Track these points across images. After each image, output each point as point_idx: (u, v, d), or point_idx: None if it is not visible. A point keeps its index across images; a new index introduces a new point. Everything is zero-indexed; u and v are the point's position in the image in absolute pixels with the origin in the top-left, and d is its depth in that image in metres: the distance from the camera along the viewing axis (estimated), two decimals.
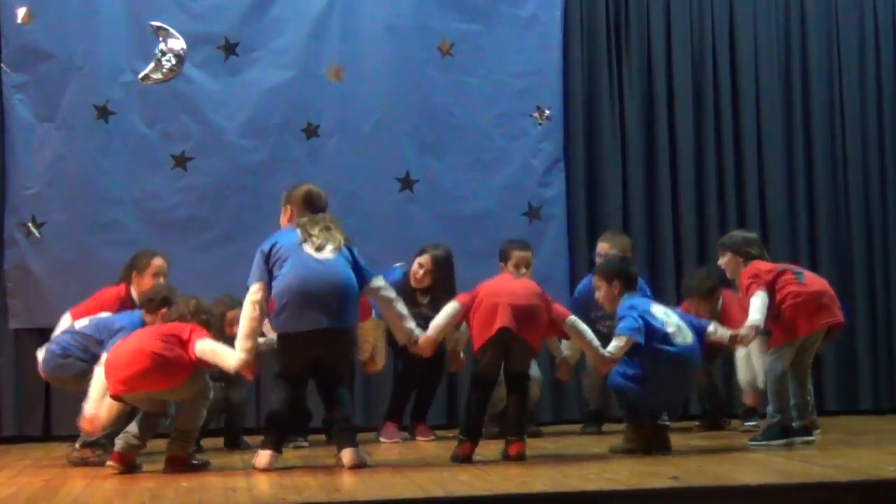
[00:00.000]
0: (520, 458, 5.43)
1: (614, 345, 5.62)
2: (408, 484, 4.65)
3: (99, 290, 6.38)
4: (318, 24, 7.81)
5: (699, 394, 7.32)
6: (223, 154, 7.63)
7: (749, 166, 8.36)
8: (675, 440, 5.89)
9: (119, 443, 5.30)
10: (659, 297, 6.65)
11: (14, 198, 7.43)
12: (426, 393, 7.03)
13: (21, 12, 7.47)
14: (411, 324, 5.62)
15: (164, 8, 7.64)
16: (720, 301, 6.87)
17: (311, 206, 5.55)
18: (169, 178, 7.54)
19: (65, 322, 6.15)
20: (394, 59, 7.88)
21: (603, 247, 6.99)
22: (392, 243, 7.37)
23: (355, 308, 5.47)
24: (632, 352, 5.60)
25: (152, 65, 7.61)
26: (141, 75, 7.59)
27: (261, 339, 6.31)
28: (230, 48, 7.69)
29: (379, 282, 5.55)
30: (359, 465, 5.21)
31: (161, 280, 6.27)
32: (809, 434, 6.06)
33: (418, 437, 6.87)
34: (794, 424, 6.01)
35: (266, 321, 6.02)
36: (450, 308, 5.67)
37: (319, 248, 5.33)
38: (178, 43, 7.64)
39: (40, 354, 6.03)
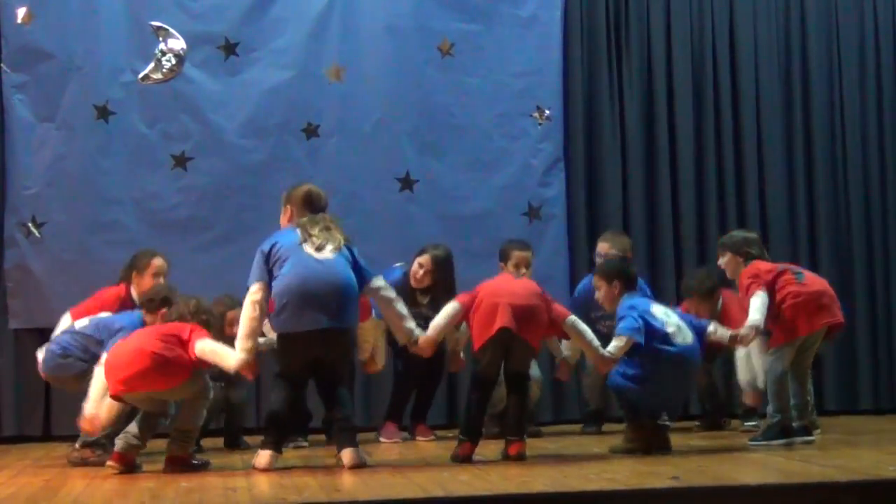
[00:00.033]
0: (520, 458, 5.43)
1: (614, 345, 5.62)
2: (408, 484, 4.65)
3: (99, 290, 6.39)
4: (318, 24, 7.81)
5: (699, 394, 7.32)
6: (223, 154, 7.63)
7: (749, 166, 8.36)
8: (675, 440, 5.89)
9: (119, 443, 5.30)
10: (659, 297, 6.65)
11: (14, 198, 7.43)
12: (426, 393, 7.03)
13: (21, 12, 7.47)
14: (411, 324, 5.62)
15: (164, 8, 7.64)
16: (720, 301, 6.87)
17: (312, 205, 5.55)
18: (169, 178, 7.55)
19: (65, 322, 6.15)
20: (394, 59, 7.88)
21: (603, 247, 6.99)
22: (392, 243, 7.37)
23: (355, 308, 5.47)
24: (632, 352, 5.60)
25: (152, 65, 7.61)
26: (141, 75, 7.59)
27: (261, 339, 6.30)
28: (230, 48, 7.69)
29: (379, 282, 5.55)
30: (359, 465, 5.21)
31: (161, 280, 6.27)
32: (809, 434, 6.06)
33: (418, 437, 6.87)
34: (794, 424, 6.01)
35: (266, 321, 6.05)
36: (450, 308, 5.67)
37: (319, 248, 5.33)
38: (178, 43, 7.64)
39: (40, 355, 6.03)
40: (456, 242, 7.10)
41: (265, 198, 7.15)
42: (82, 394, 5.66)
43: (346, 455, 5.24)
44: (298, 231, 5.38)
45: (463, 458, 5.41)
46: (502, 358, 5.56)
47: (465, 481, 4.68)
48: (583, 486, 4.49)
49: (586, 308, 6.50)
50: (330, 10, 7.83)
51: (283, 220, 5.62)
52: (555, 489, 4.44)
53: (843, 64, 8.58)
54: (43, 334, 6.89)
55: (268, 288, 5.32)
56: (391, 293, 5.60)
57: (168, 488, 4.72)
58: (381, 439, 6.73)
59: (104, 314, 5.97)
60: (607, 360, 5.64)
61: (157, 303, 5.77)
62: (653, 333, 5.61)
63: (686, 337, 5.68)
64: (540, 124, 8.05)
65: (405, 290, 6.51)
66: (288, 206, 5.60)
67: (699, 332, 5.81)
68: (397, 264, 6.90)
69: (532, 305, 5.53)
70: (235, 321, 5.58)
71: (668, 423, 5.98)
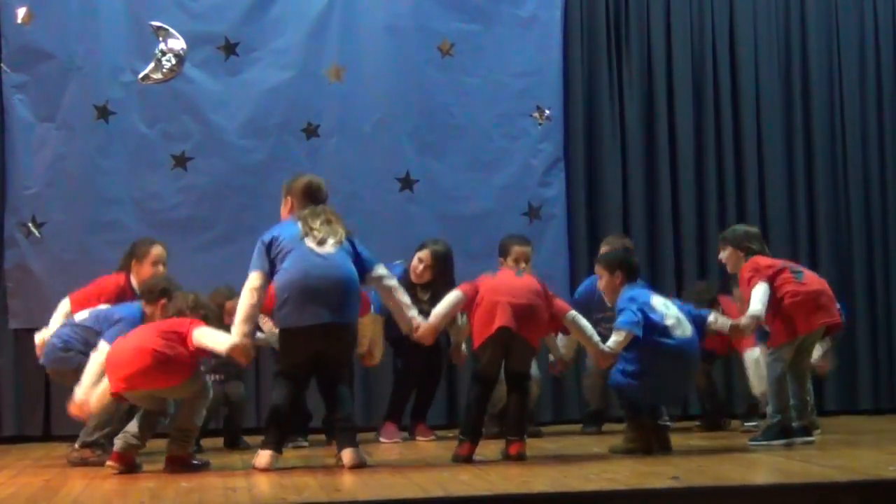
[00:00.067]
0: (520, 458, 5.42)
1: (613, 339, 5.62)
2: (408, 484, 4.65)
3: (99, 277, 6.37)
4: (318, 24, 7.82)
5: (699, 394, 7.32)
6: (223, 154, 7.63)
7: (749, 166, 8.36)
8: (675, 440, 5.89)
9: (118, 442, 5.30)
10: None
11: (14, 198, 7.44)
12: (426, 392, 7.03)
13: (21, 12, 7.48)
14: (413, 312, 5.60)
15: (164, 8, 7.64)
16: (720, 310, 6.84)
17: (312, 197, 5.53)
18: (169, 178, 7.55)
19: (63, 307, 6.16)
20: (394, 59, 7.88)
21: (605, 250, 6.99)
22: (392, 243, 7.36)
23: (357, 303, 5.47)
24: (630, 345, 5.61)
25: (152, 65, 7.61)
26: (141, 75, 7.59)
27: (259, 335, 6.34)
28: (230, 48, 7.69)
29: (381, 270, 5.54)
30: (359, 465, 5.21)
31: (160, 268, 6.26)
32: (809, 434, 6.05)
33: (418, 437, 6.86)
34: (794, 425, 6.00)
35: (263, 317, 6.06)
36: (452, 296, 5.66)
37: (321, 243, 5.32)
38: (178, 43, 7.64)
39: (38, 338, 6.04)
40: (456, 242, 7.10)
41: (265, 198, 7.15)
42: None
43: (347, 455, 5.24)
44: (300, 224, 5.37)
45: (463, 458, 5.40)
46: (502, 357, 5.56)
47: (465, 481, 4.68)
48: (583, 486, 4.49)
49: (588, 309, 6.49)
50: (330, 10, 7.83)
51: (284, 211, 5.61)
52: (555, 489, 4.44)
53: (843, 64, 8.58)
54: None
55: (267, 277, 5.31)
56: (393, 281, 5.59)
57: (168, 488, 4.72)
58: (381, 439, 6.73)
59: (104, 306, 5.96)
60: (607, 355, 5.65)
61: (156, 294, 5.76)
62: (652, 327, 5.60)
63: (685, 330, 5.68)
64: (540, 124, 8.05)
65: (406, 286, 6.49)
66: (288, 198, 5.59)
67: (699, 323, 5.81)
68: (397, 261, 6.89)
69: (532, 304, 5.53)
70: (234, 311, 5.57)
71: (668, 423, 5.98)
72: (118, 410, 5.70)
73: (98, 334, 5.67)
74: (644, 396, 5.67)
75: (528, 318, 5.50)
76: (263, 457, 5.26)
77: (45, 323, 6.18)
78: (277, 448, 5.31)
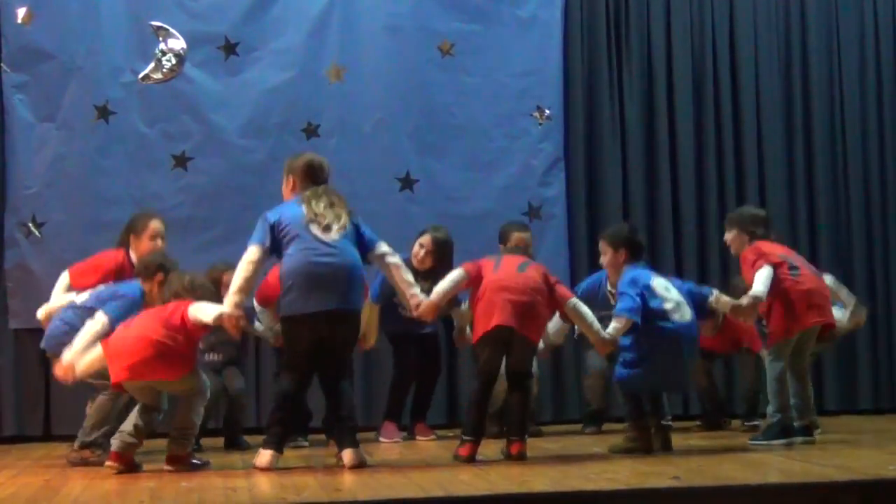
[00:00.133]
0: (520, 457, 5.42)
1: (613, 326, 5.64)
2: (408, 484, 4.65)
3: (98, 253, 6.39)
4: (318, 24, 7.82)
5: (699, 394, 7.33)
6: (223, 154, 7.64)
7: (749, 165, 8.36)
8: (675, 440, 5.90)
9: (115, 443, 5.30)
10: None
11: (14, 198, 7.44)
12: (425, 390, 7.02)
13: (21, 12, 7.48)
14: (416, 289, 5.58)
15: (164, 8, 7.64)
16: (720, 317, 6.82)
17: (314, 176, 5.50)
18: (169, 178, 7.55)
19: (63, 280, 6.18)
20: (394, 59, 7.89)
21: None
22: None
23: (361, 291, 5.50)
24: (629, 331, 5.62)
25: (152, 65, 7.61)
26: (141, 75, 7.59)
27: (258, 325, 6.35)
28: (230, 48, 7.70)
29: (384, 247, 5.52)
30: (359, 465, 5.21)
31: (159, 242, 6.25)
32: (810, 434, 6.04)
33: (418, 437, 6.86)
34: (796, 424, 6.00)
35: (263, 311, 6.15)
36: (454, 274, 5.68)
37: (326, 229, 5.29)
38: (178, 43, 7.64)
39: (40, 313, 6.07)
40: (456, 242, 7.09)
41: (265, 198, 7.11)
42: (83, 391, 5.69)
43: (347, 455, 5.24)
44: (304, 207, 5.34)
45: (466, 459, 5.38)
46: (502, 354, 5.55)
47: (466, 481, 4.68)
48: (583, 485, 4.49)
49: (591, 306, 6.46)
50: (330, 10, 7.83)
51: (286, 189, 5.58)
52: (555, 489, 4.44)
53: (842, 63, 8.58)
54: (43, 334, 6.89)
55: (266, 253, 5.29)
56: (396, 259, 5.57)
57: (168, 488, 4.72)
58: (381, 439, 6.73)
59: (104, 286, 5.94)
60: (607, 342, 5.66)
61: (152, 269, 5.76)
62: (651, 312, 5.61)
63: (684, 314, 5.68)
64: (540, 124, 8.05)
65: None
66: (290, 177, 5.56)
67: (701, 301, 5.81)
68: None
69: (533, 301, 5.52)
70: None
71: (671, 423, 5.97)
72: (114, 409, 5.71)
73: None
74: (646, 384, 5.66)
75: (529, 315, 5.50)
76: (264, 456, 5.25)
77: (43, 345, 6.16)
78: (278, 448, 5.31)
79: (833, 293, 6.46)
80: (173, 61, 7.63)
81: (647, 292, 5.65)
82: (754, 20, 8.48)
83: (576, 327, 7.06)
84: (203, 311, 5.24)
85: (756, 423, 6.83)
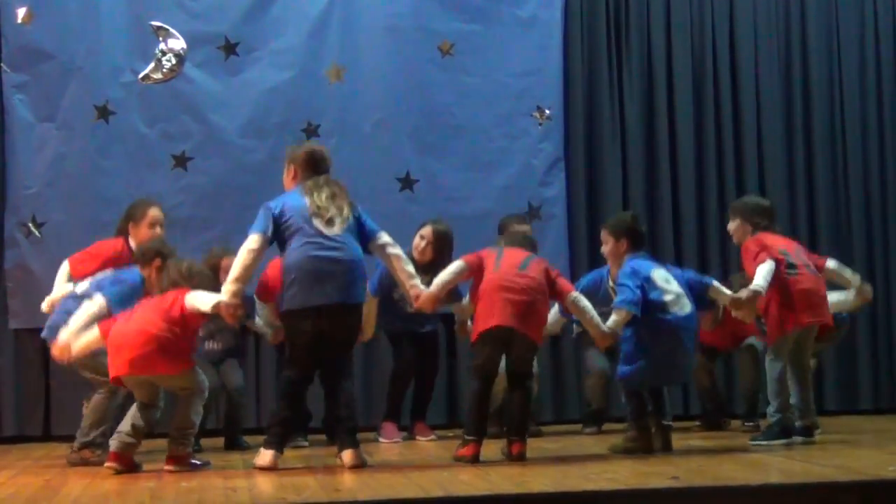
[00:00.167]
0: (521, 457, 5.42)
1: (613, 319, 5.64)
2: (408, 484, 4.65)
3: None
4: (318, 24, 7.82)
5: (699, 394, 7.33)
6: (223, 154, 7.64)
7: (749, 165, 8.36)
8: (675, 440, 5.89)
9: (113, 443, 5.30)
10: None
11: (14, 198, 7.44)
12: (424, 389, 7.02)
13: (21, 12, 7.48)
14: (416, 280, 5.58)
15: (164, 8, 7.65)
16: (721, 310, 6.82)
17: (315, 166, 5.49)
18: (169, 178, 7.55)
19: (63, 269, 6.19)
20: (394, 59, 7.89)
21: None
22: None
23: (363, 286, 5.50)
24: (629, 323, 5.62)
25: (152, 65, 7.62)
26: (141, 75, 7.60)
27: (258, 320, 6.35)
28: (230, 48, 7.70)
29: (385, 238, 5.52)
30: (359, 466, 5.21)
31: (158, 230, 6.25)
32: (811, 434, 6.04)
33: (418, 437, 6.86)
34: (797, 424, 6.00)
35: (263, 305, 6.14)
36: (454, 266, 5.69)
37: (329, 222, 5.29)
38: (178, 43, 7.64)
39: (45, 305, 6.09)
40: (456, 242, 7.09)
41: (265, 198, 7.03)
42: (83, 390, 5.69)
43: (347, 455, 5.24)
44: (306, 199, 5.33)
45: (471, 459, 5.36)
46: (501, 353, 5.55)
47: (465, 481, 4.68)
48: (583, 485, 4.49)
49: (592, 303, 6.46)
50: (330, 10, 7.83)
51: (287, 179, 5.56)
52: (555, 489, 4.45)
53: (842, 61, 8.58)
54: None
55: (267, 241, 5.28)
56: (397, 250, 5.56)
57: (168, 488, 4.72)
58: (381, 439, 6.73)
59: (103, 274, 5.93)
60: (607, 335, 5.67)
61: (149, 255, 5.77)
62: (650, 304, 5.61)
63: (684, 306, 5.68)
64: (540, 124, 8.05)
65: None
66: (292, 166, 5.55)
67: (701, 291, 5.80)
68: None
69: (533, 301, 5.51)
70: (229, 269, 5.58)
71: (671, 424, 5.98)
72: (110, 407, 5.71)
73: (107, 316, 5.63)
74: (648, 378, 5.66)
75: (529, 315, 5.49)
76: (266, 456, 5.25)
77: (45, 322, 6.17)
78: (280, 448, 5.30)
79: (838, 275, 6.43)
80: (173, 61, 7.63)
81: (646, 284, 5.64)
82: (754, 20, 8.48)
83: (574, 326, 7.11)
84: (200, 300, 5.24)
85: (756, 422, 6.82)
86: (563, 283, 5.72)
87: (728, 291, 5.92)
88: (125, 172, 7.51)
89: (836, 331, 6.57)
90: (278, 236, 5.31)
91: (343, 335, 5.37)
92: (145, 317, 5.29)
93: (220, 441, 6.61)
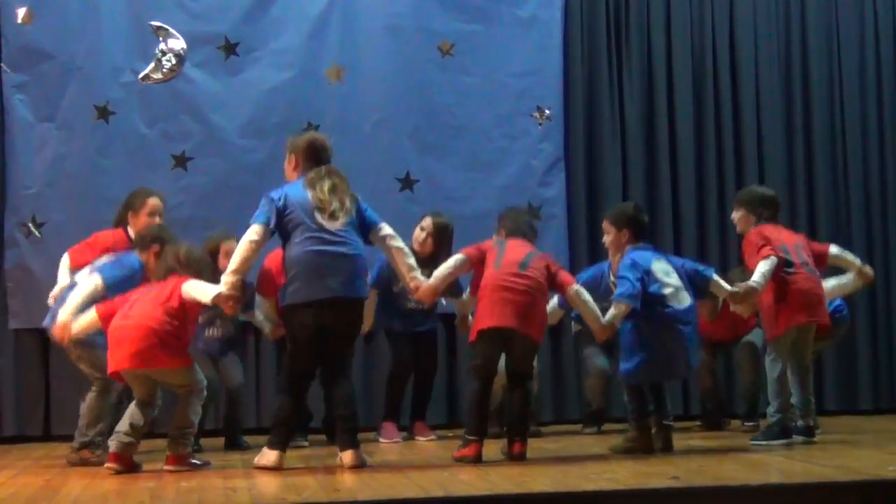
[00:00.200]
0: (521, 457, 5.42)
1: (611, 312, 5.66)
2: (408, 484, 4.65)
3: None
4: (318, 24, 7.82)
5: (701, 393, 7.33)
6: (223, 154, 7.64)
7: (749, 165, 8.36)
8: (676, 440, 5.89)
9: (112, 444, 5.30)
10: None
11: (14, 198, 7.44)
12: (423, 388, 7.02)
13: (21, 12, 7.48)
14: (416, 272, 5.58)
15: (164, 8, 7.65)
16: (720, 300, 6.84)
17: (316, 156, 5.49)
18: (169, 178, 7.54)
19: (64, 262, 6.18)
20: (394, 60, 7.89)
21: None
22: None
23: (365, 279, 5.50)
24: (629, 315, 5.62)
25: (152, 65, 7.61)
26: (141, 75, 7.60)
27: (258, 314, 6.35)
28: (230, 48, 7.70)
29: (387, 229, 5.52)
30: (359, 467, 5.21)
31: (157, 220, 6.26)
32: (811, 434, 6.05)
33: (418, 437, 6.86)
34: (798, 424, 6.00)
35: (260, 305, 6.18)
36: (455, 259, 5.70)
37: (332, 216, 5.28)
38: (178, 43, 7.64)
39: (50, 299, 6.06)
40: (456, 242, 7.09)
41: None
42: (83, 390, 5.69)
43: (347, 456, 5.23)
44: (309, 193, 5.32)
45: (473, 459, 5.35)
46: (500, 353, 5.55)
47: (465, 481, 4.68)
48: (583, 485, 4.49)
49: (592, 297, 6.46)
50: (330, 10, 7.83)
51: (289, 168, 5.55)
52: (555, 489, 4.45)
53: (842, 61, 8.58)
54: (43, 334, 6.90)
55: (268, 232, 5.27)
56: (399, 242, 5.57)
57: (168, 488, 4.72)
58: (381, 440, 6.73)
59: (100, 260, 5.93)
60: (605, 328, 5.68)
61: (147, 240, 5.77)
62: (649, 297, 5.62)
63: (682, 300, 5.68)
64: (540, 124, 8.05)
65: None
66: (292, 156, 5.53)
67: (701, 283, 5.80)
68: None
69: (533, 300, 5.51)
70: (230, 252, 5.61)
71: (672, 424, 5.98)
72: (106, 405, 5.72)
73: (103, 297, 5.61)
74: (649, 372, 5.65)
75: (530, 315, 5.50)
76: (271, 456, 5.24)
77: (45, 323, 6.17)
78: (283, 448, 5.29)
79: (841, 259, 6.45)
80: (173, 61, 7.63)
81: (646, 277, 5.63)
82: (754, 20, 8.48)
83: (573, 324, 7.12)
84: (199, 292, 5.25)
85: (756, 422, 6.82)
86: (565, 275, 5.73)
87: (727, 286, 5.92)
88: (125, 172, 7.50)
89: (835, 329, 6.57)
90: (281, 228, 5.31)
91: (345, 330, 5.36)
92: (144, 310, 5.28)
93: (220, 441, 6.61)
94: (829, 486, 4.46)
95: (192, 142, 7.60)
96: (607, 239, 5.98)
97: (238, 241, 5.35)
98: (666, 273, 5.71)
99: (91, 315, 5.41)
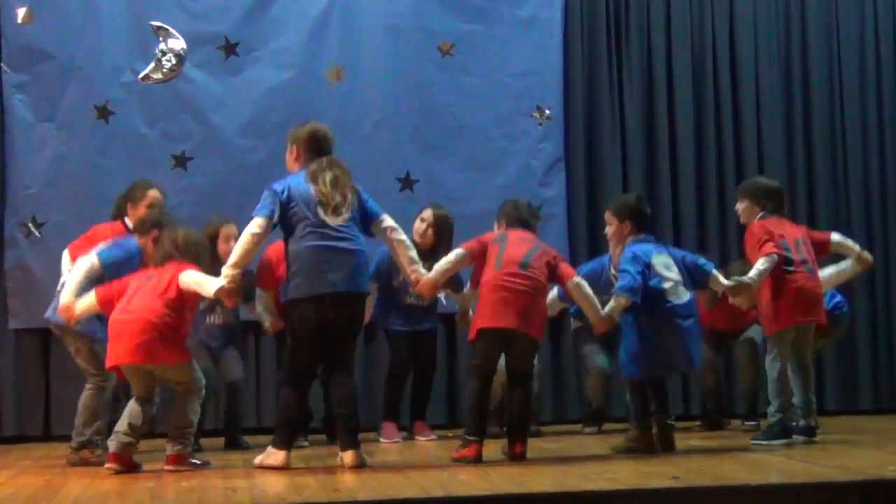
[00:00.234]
0: (522, 457, 5.42)
1: (611, 305, 5.67)
2: (408, 484, 4.65)
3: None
4: (318, 24, 7.82)
5: (702, 393, 7.33)
6: (223, 154, 7.64)
7: (749, 165, 8.35)
8: (676, 440, 5.89)
9: (111, 444, 5.30)
10: None
11: (14, 198, 7.44)
12: (422, 387, 7.02)
13: (21, 12, 7.48)
14: (417, 265, 5.57)
15: (164, 8, 7.65)
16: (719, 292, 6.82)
17: (318, 146, 5.46)
18: (169, 178, 7.52)
19: (65, 258, 6.17)
20: (394, 59, 7.89)
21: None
22: None
23: (367, 274, 5.49)
24: (629, 309, 5.63)
25: (152, 65, 7.61)
26: (141, 75, 7.59)
27: (258, 307, 6.36)
28: (230, 48, 7.70)
29: (389, 221, 5.52)
30: (359, 467, 5.21)
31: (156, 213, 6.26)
32: (812, 434, 6.05)
33: (418, 437, 6.86)
34: (800, 423, 6.00)
35: (260, 299, 6.21)
36: (455, 253, 5.71)
37: (335, 211, 5.27)
38: (178, 43, 7.64)
39: (54, 303, 6.05)
40: (456, 242, 7.08)
41: None
42: (83, 389, 5.70)
43: (348, 456, 5.23)
44: (311, 187, 5.30)
45: (474, 459, 5.35)
46: (500, 353, 5.55)
47: (465, 481, 4.68)
48: (583, 485, 4.49)
49: (593, 291, 6.45)
50: (330, 10, 7.83)
51: (290, 159, 5.53)
52: (555, 489, 4.45)
53: (842, 61, 8.58)
54: (43, 334, 6.91)
55: (270, 225, 5.26)
56: (402, 235, 5.57)
57: (168, 488, 4.72)
58: (381, 440, 6.73)
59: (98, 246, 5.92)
60: (604, 321, 5.68)
61: (147, 225, 5.76)
62: (649, 291, 5.62)
63: (681, 295, 5.68)
64: (540, 124, 8.05)
65: None
66: (294, 146, 5.52)
67: (701, 277, 5.80)
68: None
69: (534, 299, 5.51)
70: (229, 237, 5.66)
71: (673, 423, 5.98)
72: (101, 403, 5.72)
73: (100, 279, 5.62)
74: (651, 366, 5.65)
75: (530, 314, 5.50)
76: (278, 456, 5.24)
77: (45, 323, 6.17)
78: (289, 447, 5.29)
79: (843, 247, 6.46)
80: (173, 61, 7.63)
81: (647, 271, 5.63)
82: (754, 20, 8.48)
83: (572, 321, 7.12)
84: (199, 285, 5.26)
85: (756, 422, 6.82)
86: (566, 268, 5.73)
87: (725, 281, 5.92)
88: (125, 172, 7.46)
89: (835, 327, 6.58)
90: (284, 222, 5.30)
91: (346, 325, 5.35)
92: (143, 303, 5.28)
93: (220, 441, 6.61)
94: (830, 486, 4.46)
95: (192, 142, 7.60)
96: (609, 230, 5.98)
97: (237, 225, 5.34)
98: (666, 266, 5.71)
99: (91, 298, 5.41)
